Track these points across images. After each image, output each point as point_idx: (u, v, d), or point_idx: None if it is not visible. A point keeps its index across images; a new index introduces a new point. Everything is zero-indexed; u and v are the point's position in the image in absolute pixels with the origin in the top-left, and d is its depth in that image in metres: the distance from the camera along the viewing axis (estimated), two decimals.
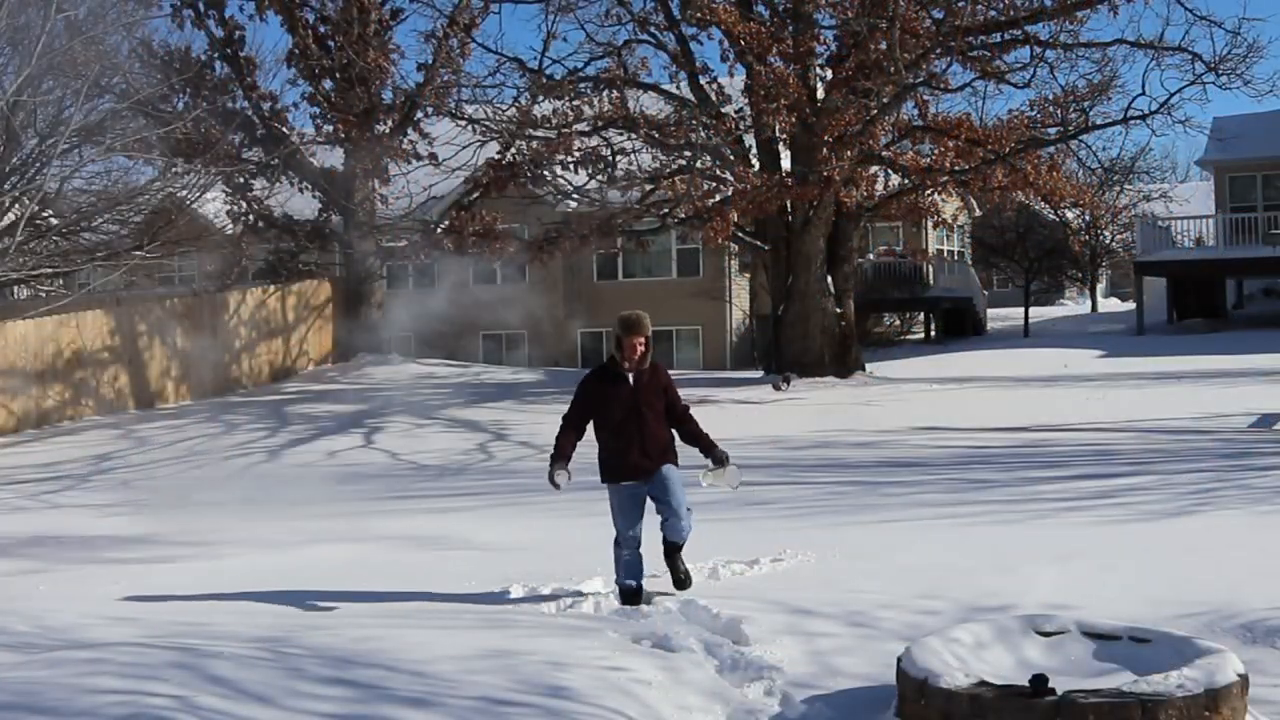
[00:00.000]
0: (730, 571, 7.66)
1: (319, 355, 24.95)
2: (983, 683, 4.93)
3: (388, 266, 26.38)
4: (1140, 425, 14.60)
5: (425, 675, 5.66)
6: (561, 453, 6.99)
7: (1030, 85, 20.23)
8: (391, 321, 26.47)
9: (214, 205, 29.49)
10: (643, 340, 6.93)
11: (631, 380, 6.96)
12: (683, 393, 7.39)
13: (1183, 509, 9.42)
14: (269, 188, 24.80)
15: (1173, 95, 19.29)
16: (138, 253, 22.60)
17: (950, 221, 27.85)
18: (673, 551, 7.18)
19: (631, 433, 6.94)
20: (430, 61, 23.60)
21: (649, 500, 7.06)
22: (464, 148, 22.18)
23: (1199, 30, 52.43)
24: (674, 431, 7.18)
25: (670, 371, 7.43)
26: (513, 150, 22.22)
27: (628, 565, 7.12)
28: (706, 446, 7.22)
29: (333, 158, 25.32)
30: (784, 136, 20.92)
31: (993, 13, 19.95)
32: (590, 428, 7.13)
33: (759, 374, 22.75)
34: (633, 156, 21.48)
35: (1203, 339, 27.17)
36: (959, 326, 33.82)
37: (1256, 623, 6.15)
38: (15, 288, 26.14)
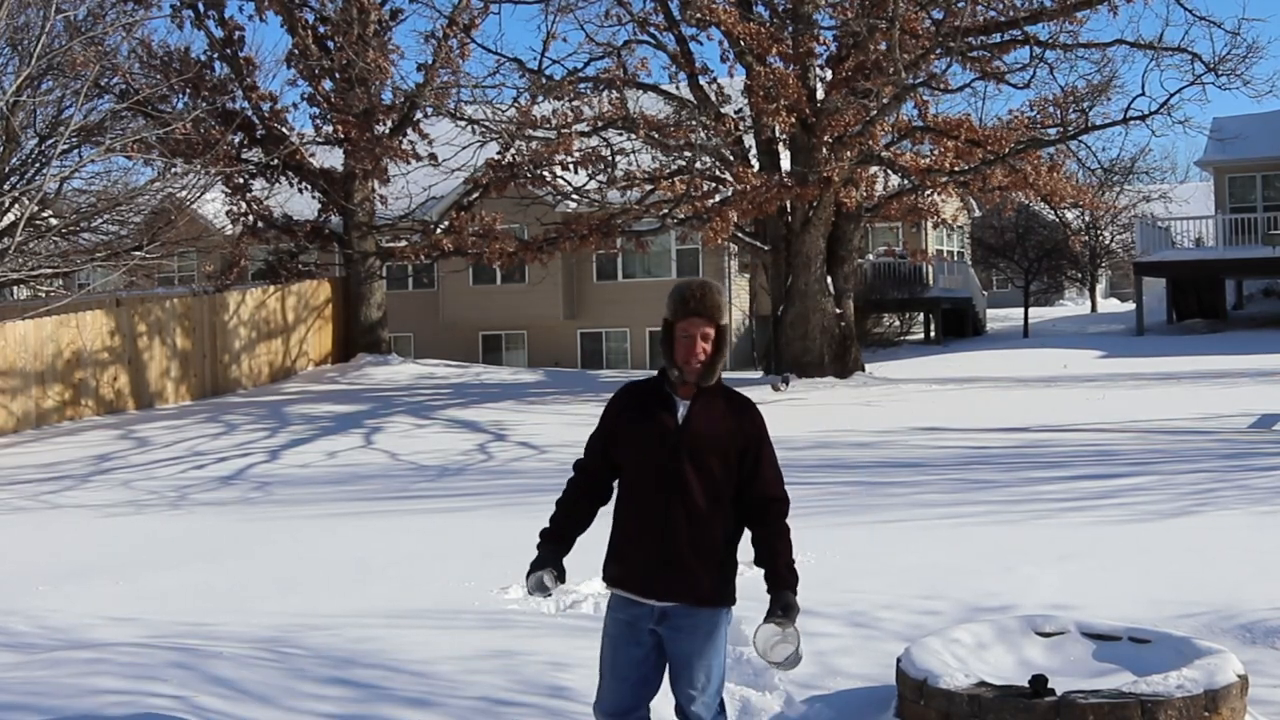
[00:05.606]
0: None
1: (319, 355, 24.95)
2: (983, 683, 4.94)
3: (388, 266, 26.37)
4: (1140, 425, 14.59)
5: (425, 675, 5.66)
6: (551, 532, 4.12)
7: (1030, 85, 20.28)
8: (391, 322, 26.48)
9: (214, 205, 29.54)
10: (711, 330, 3.91)
11: (682, 411, 3.95)
12: None
13: (1183, 509, 9.42)
14: (269, 188, 24.80)
15: (1172, 95, 19.36)
16: (138, 253, 22.61)
17: (950, 222, 27.91)
18: None
19: (655, 507, 3.92)
20: (430, 62, 23.60)
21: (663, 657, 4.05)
22: (464, 148, 22.18)
23: (1199, 30, 52.81)
24: (737, 529, 4.04)
25: None
26: (513, 150, 22.23)
27: None
28: (779, 581, 4.04)
29: (332, 158, 25.32)
30: (784, 137, 20.94)
31: (992, 13, 19.97)
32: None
33: (759, 374, 22.75)
34: (633, 157, 21.48)
35: (1202, 339, 27.20)
36: (959, 327, 33.84)
37: (1256, 623, 6.15)
38: (15, 288, 26.16)
